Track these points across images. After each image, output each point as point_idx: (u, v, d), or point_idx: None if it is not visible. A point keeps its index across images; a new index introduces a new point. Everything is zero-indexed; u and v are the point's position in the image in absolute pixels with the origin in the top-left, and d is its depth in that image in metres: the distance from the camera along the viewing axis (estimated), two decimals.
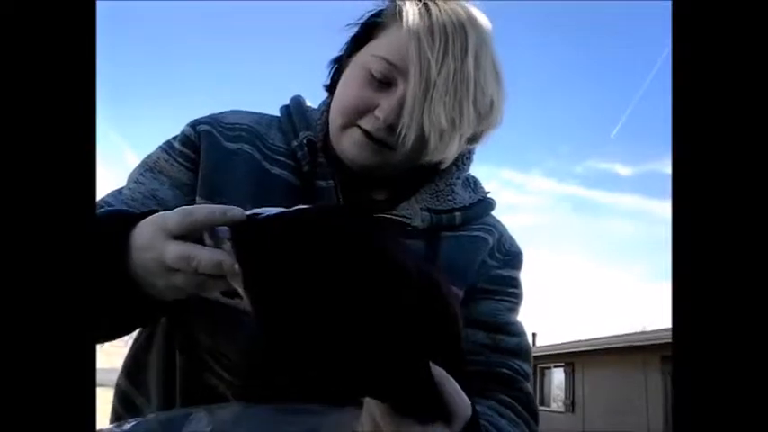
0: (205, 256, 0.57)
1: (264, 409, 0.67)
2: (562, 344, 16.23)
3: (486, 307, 0.86)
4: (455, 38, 0.74)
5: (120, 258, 0.62)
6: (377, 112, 0.76)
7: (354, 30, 0.86)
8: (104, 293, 0.61)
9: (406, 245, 0.68)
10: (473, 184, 0.94)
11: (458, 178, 0.90)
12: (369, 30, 0.83)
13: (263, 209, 0.58)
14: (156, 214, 0.63)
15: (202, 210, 0.60)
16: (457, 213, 0.86)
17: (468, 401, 0.59)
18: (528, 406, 0.81)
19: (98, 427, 0.59)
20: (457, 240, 0.85)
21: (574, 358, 15.71)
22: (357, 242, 0.54)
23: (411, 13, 0.76)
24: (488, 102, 0.80)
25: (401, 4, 0.78)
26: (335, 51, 0.91)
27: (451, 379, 0.57)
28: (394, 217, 0.82)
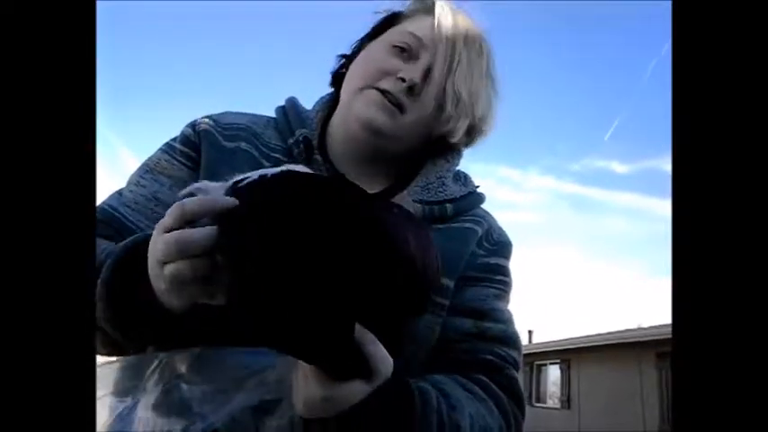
0: (195, 232, 0.57)
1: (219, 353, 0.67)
2: (558, 341, 16.27)
3: (473, 293, 0.86)
4: (474, 37, 0.89)
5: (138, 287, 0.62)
6: (400, 74, 0.84)
7: (371, 28, 0.95)
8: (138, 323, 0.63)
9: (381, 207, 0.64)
10: (463, 178, 0.97)
11: (448, 171, 0.93)
12: (390, 19, 0.94)
13: (249, 174, 0.61)
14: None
15: (193, 201, 0.60)
16: (448, 205, 0.88)
17: (390, 361, 0.62)
18: (510, 390, 0.81)
19: (98, 426, 0.59)
20: (448, 231, 0.87)
21: (570, 355, 15.75)
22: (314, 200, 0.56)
23: (441, 7, 0.89)
24: (493, 99, 0.92)
25: (431, 1, 0.90)
26: (335, 52, 0.97)
27: (374, 339, 0.60)
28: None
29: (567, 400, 15.49)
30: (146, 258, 0.62)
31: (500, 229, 0.95)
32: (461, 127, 0.89)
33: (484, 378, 0.80)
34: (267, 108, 0.99)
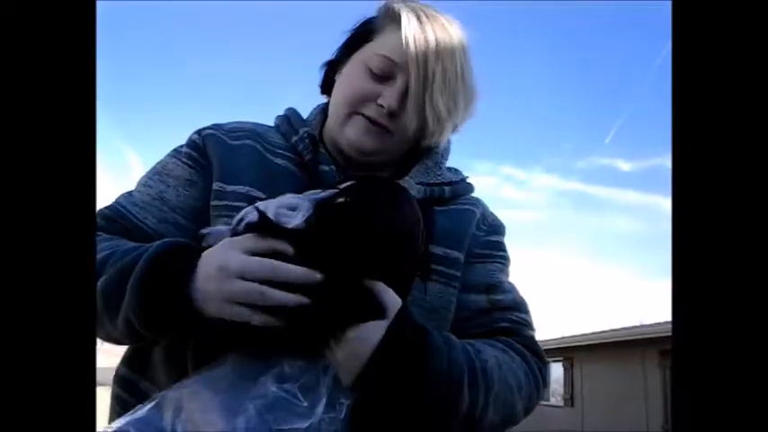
0: (293, 267, 0.66)
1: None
2: (560, 338, 16.25)
3: (482, 270, 0.96)
4: (445, 38, 0.88)
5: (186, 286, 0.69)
6: (380, 101, 0.87)
7: (349, 34, 0.98)
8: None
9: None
10: (454, 170, 1.05)
11: (443, 156, 1.01)
12: (365, 33, 0.95)
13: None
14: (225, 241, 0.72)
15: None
16: (446, 187, 0.97)
17: (399, 300, 0.74)
18: (530, 348, 0.91)
19: (98, 426, 0.59)
20: (449, 213, 0.96)
21: (572, 353, 15.74)
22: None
23: (407, 18, 0.88)
24: (473, 93, 0.93)
25: (397, 11, 0.90)
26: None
27: (384, 286, 0.72)
28: None
29: (569, 398, 15.48)
30: (190, 260, 0.70)
31: (492, 213, 1.05)
32: (445, 136, 0.94)
33: (505, 340, 0.90)
34: (278, 111, 1.05)
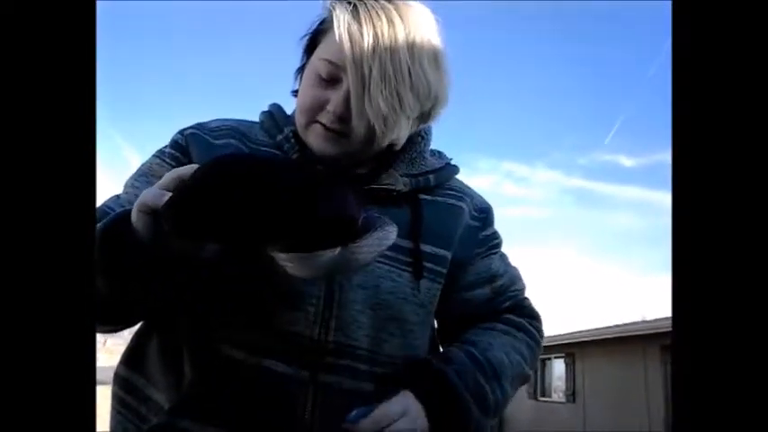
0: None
1: None
2: (562, 335, 16.23)
3: (481, 266, 1.02)
4: (383, 31, 0.82)
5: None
6: (328, 107, 0.86)
7: (304, 38, 0.95)
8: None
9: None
10: (437, 153, 1.07)
11: (425, 146, 1.01)
12: (315, 37, 0.93)
13: None
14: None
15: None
16: (430, 176, 0.98)
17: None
18: (528, 314, 1.04)
19: (98, 425, 0.59)
20: (436, 206, 0.97)
21: (574, 349, 15.73)
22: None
23: (341, 15, 0.83)
24: (426, 84, 0.86)
25: (332, 7, 0.86)
26: None
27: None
28: (380, 186, 0.92)
29: (572, 394, 15.46)
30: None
31: (478, 196, 1.07)
32: (402, 133, 0.90)
33: (506, 318, 1.01)
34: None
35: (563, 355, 16.42)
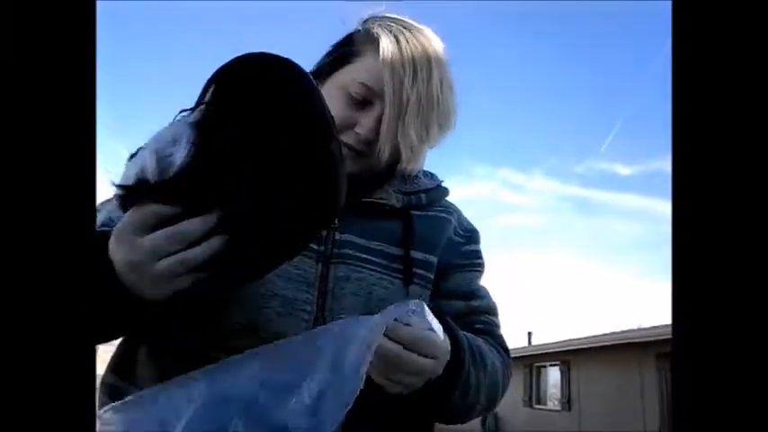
0: (188, 222, 0.64)
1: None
2: (557, 342, 16.24)
3: (461, 279, 1.02)
4: (422, 65, 0.89)
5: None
6: (357, 129, 0.89)
7: (329, 53, 0.99)
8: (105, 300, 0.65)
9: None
10: (430, 175, 1.09)
11: (420, 168, 1.04)
12: (344, 55, 0.95)
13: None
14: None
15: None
16: (422, 195, 1.01)
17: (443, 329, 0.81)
18: (501, 345, 1.01)
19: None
20: (426, 219, 1.00)
21: (569, 356, 15.74)
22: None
23: (385, 44, 0.89)
24: (448, 117, 0.94)
25: (376, 34, 0.91)
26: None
27: None
28: (374, 200, 0.95)
29: (567, 402, 15.46)
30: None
31: (466, 219, 1.10)
32: (421, 162, 0.97)
33: (482, 337, 0.97)
34: None
35: (558, 362, 16.42)
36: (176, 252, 0.63)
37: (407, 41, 0.90)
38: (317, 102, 0.69)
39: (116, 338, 0.84)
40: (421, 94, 0.87)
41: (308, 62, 0.94)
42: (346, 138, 0.89)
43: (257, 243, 0.67)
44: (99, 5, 0.55)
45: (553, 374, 16.81)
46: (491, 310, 1.05)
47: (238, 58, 0.68)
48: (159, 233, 0.63)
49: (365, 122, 0.89)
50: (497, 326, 1.05)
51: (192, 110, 0.66)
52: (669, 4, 0.57)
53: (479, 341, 0.93)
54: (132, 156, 0.66)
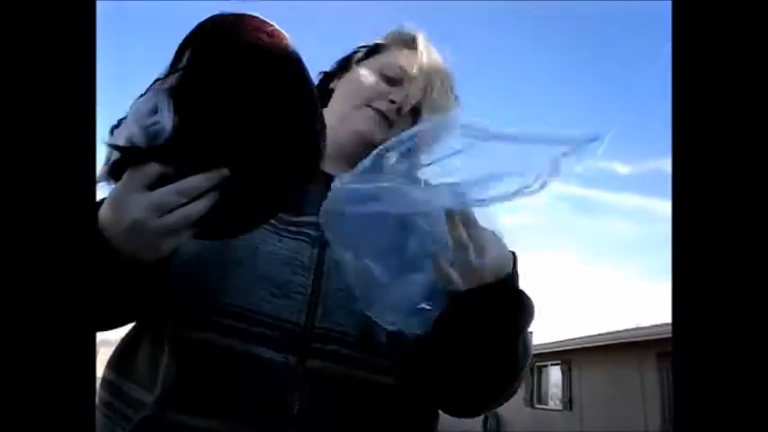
0: (192, 178, 0.66)
1: None
2: (558, 342, 16.21)
3: None
4: (442, 73, 1.08)
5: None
6: (390, 96, 1.02)
7: (355, 51, 1.14)
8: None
9: None
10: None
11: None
12: (373, 50, 1.12)
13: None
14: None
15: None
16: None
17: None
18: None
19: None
20: None
21: (570, 356, 15.71)
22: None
23: (422, 41, 1.09)
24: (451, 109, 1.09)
25: (413, 33, 1.11)
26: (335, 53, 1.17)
27: None
28: None
29: (568, 402, 15.43)
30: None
31: None
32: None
33: None
34: None
35: (559, 362, 16.40)
36: (180, 207, 0.66)
37: (434, 51, 1.10)
38: (292, 54, 0.72)
39: (116, 326, 0.85)
40: (438, 88, 1.05)
41: (308, 61, 0.96)
42: (379, 104, 1.02)
43: (249, 197, 0.70)
44: (99, 5, 0.55)
45: (554, 374, 16.79)
46: None
47: (210, 18, 0.70)
48: (165, 189, 0.65)
49: (399, 94, 1.03)
50: None
51: (167, 76, 0.67)
52: (669, 4, 0.57)
53: None
54: (113, 128, 0.65)
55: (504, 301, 0.77)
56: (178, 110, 0.64)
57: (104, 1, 0.58)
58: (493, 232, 0.77)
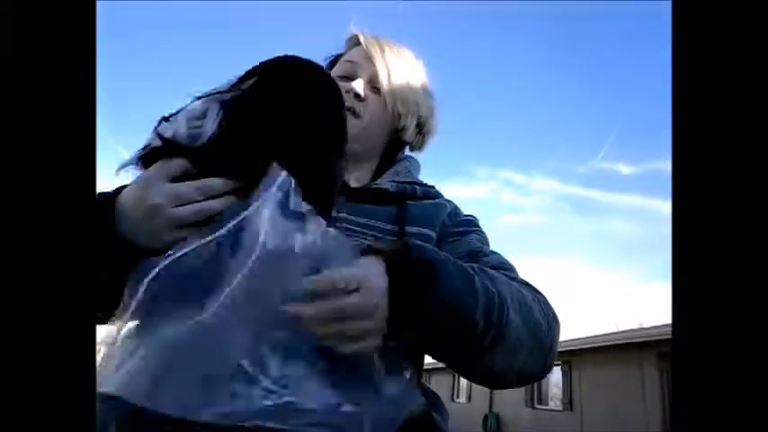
0: (216, 180, 0.71)
1: None
2: (560, 342, 16.22)
3: (462, 243, 1.01)
4: (402, 56, 1.12)
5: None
6: (346, 88, 1.02)
7: (326, 59, 1.20)
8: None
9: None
10: (425, 184, 1.15)
11: (414, 170, 1.15)
12: (333, 62, 1.18)
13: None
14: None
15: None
16: (417, 187, 1.08)
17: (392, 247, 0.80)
18: (527, 285, 0.94)
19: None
20: (421, 206, 1.05)
21: (571, 357, 15.72)
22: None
23: (362, 34, 1.13)
24: (431, 105, 1.16)
25: (356, 32, 1.15)
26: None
27: None
28: (368, 187, 1.04)
29: (568, 402, 15.43)
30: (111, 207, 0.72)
31: (462, 212, 1.13)
32: (411, 123, 1.12)
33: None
34: None
35: (560, 362, 16.39)
36: (195, 202, 0.69)
37: (384, 40, 1.13)
38: (337, 98, 0.83)
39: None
40: (404, 71, 1.10)
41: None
42: (346, 102, 1.02)
43: None
44: (99, 5, 0.55)
45: (555, 375, 16.79)
46: (504, 265, 0.97)
47: (278, 57, 0.82)
48: (187, 183, 0.70)
49: (354, 84, 1.05)
50: (512, 269, 0.97)
51: (226, 91, 0.75)
52: (669, 4, 0.57)
53: (476, 265, 0.84)
54: (166, 119, 0.73)
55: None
56: (223, 121, 0.70)
57: (104, 1, 0.58)
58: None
